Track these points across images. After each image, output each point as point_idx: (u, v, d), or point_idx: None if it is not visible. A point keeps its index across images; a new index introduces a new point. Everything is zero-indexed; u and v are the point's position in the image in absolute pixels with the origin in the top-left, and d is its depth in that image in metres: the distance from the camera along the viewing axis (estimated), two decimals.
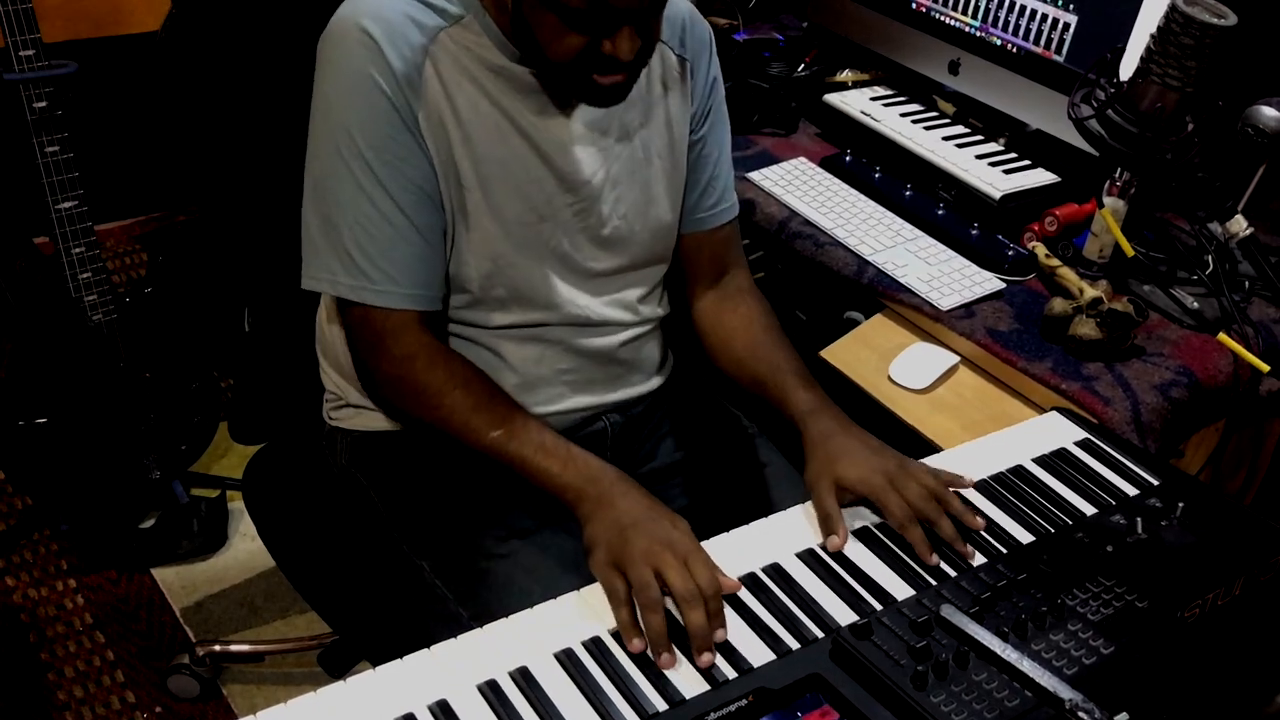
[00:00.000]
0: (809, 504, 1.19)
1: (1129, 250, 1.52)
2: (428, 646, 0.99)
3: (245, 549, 2.16)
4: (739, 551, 1.12)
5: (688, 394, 1.48)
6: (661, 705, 0.95)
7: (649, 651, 1.00)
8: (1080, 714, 0.81)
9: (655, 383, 1.42)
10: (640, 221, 1.32)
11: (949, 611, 0.95)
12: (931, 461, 1.25)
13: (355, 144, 1.15)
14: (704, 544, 1.12)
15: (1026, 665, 0.86)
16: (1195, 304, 1.54)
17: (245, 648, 1.91)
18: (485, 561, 1.23)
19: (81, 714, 1.85)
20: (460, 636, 1.01)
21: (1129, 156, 1.39)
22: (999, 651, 0.88)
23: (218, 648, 1.89)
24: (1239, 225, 1.55)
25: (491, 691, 0.95)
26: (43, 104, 1.79)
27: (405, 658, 0.98)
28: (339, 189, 1.17)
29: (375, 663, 1.00)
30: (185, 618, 2.03)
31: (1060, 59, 1.67)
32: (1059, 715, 0.83)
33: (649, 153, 1.31)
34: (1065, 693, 0.84)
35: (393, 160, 1.16)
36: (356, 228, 1.18)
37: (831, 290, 1.69)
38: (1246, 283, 1.59)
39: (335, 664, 1.80)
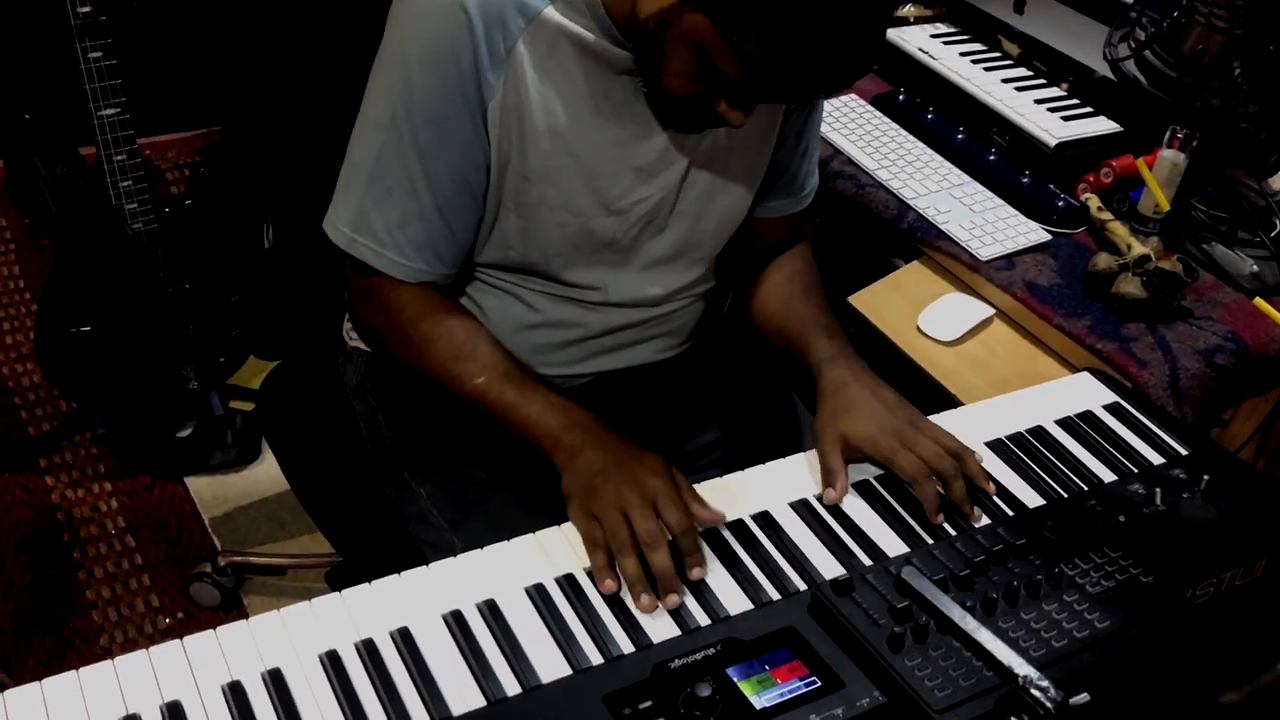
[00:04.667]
0: (809, 453, 1.14)
1: (1164, 203, 1.43)
2: None
3: (277, 464, 2.17)
4: (731, 497, 1.08)
5: (716, 352, 1.43)
6: (629, 648, 0.92)
7: (628, 594, 0.97)
8: (1034, 691, 0.76)
9: (685, 347, 1.37)
10: (707, 208, 1.25)
11: (910, 573, 0.90)
12: (949, 417, 1.20)
13: (411, 109, 1.10)
14: (697, 488, 1.09)
15: (984, 636, 0.81)
16: (1255, 267, 1.45)
17: (266, 559, 1.93)
18: (481, 493, 1.21)
19: (107, 614, 1.89)
20: (432, 564, 0.99)
21: (1166, 103, 1.29)
22: (957, 620, 0.83)
23: (239, 558, 1.91)
24: None
25: (455, 622, 0.93)
26: (87, 8, 1.78)
27: (373, 582, 0.97)
28: (378, 143, 1.12)
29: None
30: (214, 528, 2.06)
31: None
32: (1012, 690, 0.78)
33: (732, 140, 1.22)
34: (1021, 669, 0.79)
35: (443, 140, 1.11)
36: (379, 187, 1.13)
37: (870, 234, 1.63)
38: None
39: (342, 582, 1.80)
